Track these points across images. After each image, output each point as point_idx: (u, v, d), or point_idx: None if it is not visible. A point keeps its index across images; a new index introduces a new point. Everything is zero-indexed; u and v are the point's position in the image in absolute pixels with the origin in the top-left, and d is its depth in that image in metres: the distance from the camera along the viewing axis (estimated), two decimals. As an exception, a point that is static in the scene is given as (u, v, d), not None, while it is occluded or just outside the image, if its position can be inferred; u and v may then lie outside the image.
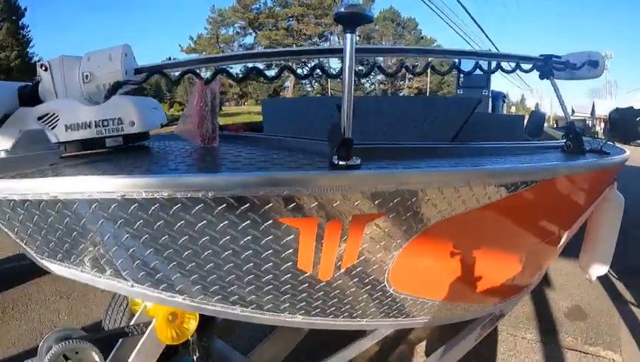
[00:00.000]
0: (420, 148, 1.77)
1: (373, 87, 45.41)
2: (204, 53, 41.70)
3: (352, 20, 1.26)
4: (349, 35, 1.26)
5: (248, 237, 1.28)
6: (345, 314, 1.66)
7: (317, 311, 1.58)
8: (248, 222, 1.25)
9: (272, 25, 45.97)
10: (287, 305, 1.51)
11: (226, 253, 1.30)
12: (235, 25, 46.64)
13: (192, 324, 1.73)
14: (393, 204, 1.38)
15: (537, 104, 31.33)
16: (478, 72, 2.07)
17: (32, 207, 1.21)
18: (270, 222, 1.26)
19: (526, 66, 2.13)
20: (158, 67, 1.62)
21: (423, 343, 3.41)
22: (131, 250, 1.27)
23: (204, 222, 1.22)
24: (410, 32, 48.75)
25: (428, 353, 3.19)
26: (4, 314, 4.13)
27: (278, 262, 1.37)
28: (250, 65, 1.74)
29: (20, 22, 33.67)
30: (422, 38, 48.27)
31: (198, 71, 1.61)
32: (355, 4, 1.26)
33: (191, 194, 1.15)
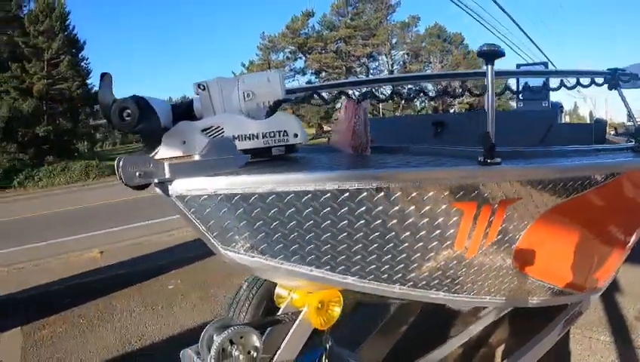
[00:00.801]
0: (527, 151, 2.02)
1: (423, 104, 45.10)
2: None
3: (491, 56, 1.64)
4: (489, 67, 1.65)
5: (425, 220, 1.57)
6: (474, 291, 1.94)
7: (457, 287, 1.85)
8: (429, 207, 1.54)
9: (320, 48, 46.63)
10: (436, 282, 1.77)
11: (405, 235, 1.57)
12: (285, 50, 47.57)
13: (337, 310, 1.93)
14: (526, 190, 1.76)
15: (591, 112, 30.62)
16: (535, 84, 2.38)
17: (242, 200, 1.44)
18: (445, 205, 1.57)
19: (598, 80, 2.41)
20: (312, 88, 1.88)
21: (503, 345, 3.54)
22: (323, 237, 1.51)
23: (397, 207, 1.50)
24: (457, 47, 48.41)
25: (506, 353, 3.33)
26: (89, 324, 4.37)
27: (442, 241, 1.66)
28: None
29: (80, 54, 35.34)
30: (469, 52, 47.71)
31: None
32: (492, 43, 1.67)
33: (399, 184, 1.44)
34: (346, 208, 1.45)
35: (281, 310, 2.02)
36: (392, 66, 47.53)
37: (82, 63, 35.42)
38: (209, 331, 1.82)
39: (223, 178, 1.43)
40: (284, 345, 1.85)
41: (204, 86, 1.87)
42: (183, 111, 1.91)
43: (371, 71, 47.74)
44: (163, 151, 1.79)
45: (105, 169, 28.02)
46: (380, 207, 1.47)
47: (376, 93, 2.02)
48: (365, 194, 1.43)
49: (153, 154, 1.75)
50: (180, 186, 1.44)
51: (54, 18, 32.09)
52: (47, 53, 31.92)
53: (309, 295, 1.89)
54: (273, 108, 1.79)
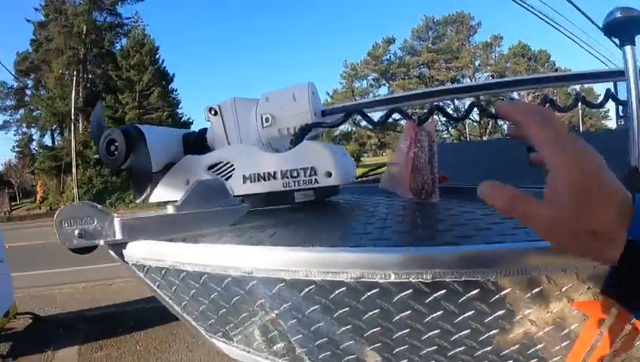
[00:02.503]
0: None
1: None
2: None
3: (631, 28, 0.94)
4: (629, 49, 0.93)
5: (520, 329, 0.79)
6: None
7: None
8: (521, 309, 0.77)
9: (403, 74, 46.33)
10: None
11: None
12: (369, 77, 47.75)
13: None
14: None
15: None
16: None
17: (212, 281, 0.87)
18: (559, 307, 0.79)
19: None
20: (354, 106, 1.31)
21: None
22: (342, 341, 0.82)
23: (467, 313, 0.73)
24: (542, 65, 45.57)
25: None
26: (145, 351, 4.30)
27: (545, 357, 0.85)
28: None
29: (169, 86, 37.48)
30: (556, 69, 44.76)
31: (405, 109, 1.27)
32: (629, 7, 0.94)
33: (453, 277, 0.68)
34: (377, 309, 0.75)
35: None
36: (478, 89, 46.42)
37: (171, 95, 37.60)
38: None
39: (184, 246, 0.90)
40: None
41: (215, 110, 1.42)
42: (196, 140, 1.49)
43: (456, 95, 46.98)
44: (161, 194, 1.40)
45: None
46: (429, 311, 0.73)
47: (448, 110, 1.36)
48: (409, 292, 0.70)
49: (143, 197, 1.35)
50: (136, 252, 0.95)
51: (144, 53, 34.64)
52: (138, 86, 34.45)
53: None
54: (299, 137, 1.27)
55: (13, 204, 33.10)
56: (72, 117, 31.51)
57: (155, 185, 1.41)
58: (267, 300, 0.82)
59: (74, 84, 31.96)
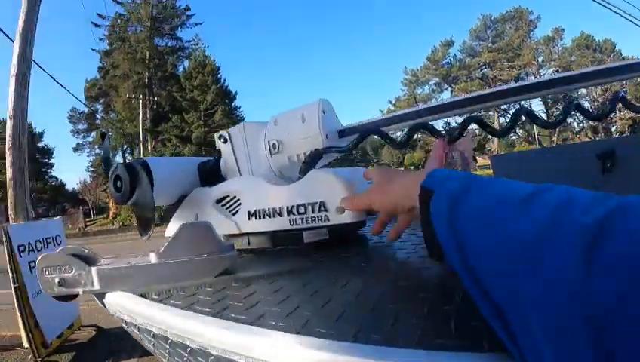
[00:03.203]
0: None
1: (581, 125, 40.10)
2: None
3: None
4: None
5: None
6: None
7: None
8: None
9: (465, 76, 45.15)
10: None
11: None
12: (430, 82, 46.91)
13: None
14: None
15: None
16: None
17: (177, 346, 0.72)
18: None
19: None
20: (370, 125, 1.11)
21: None
22: None
23: None
24: (608, 55, 42.29)
25: None
26: None
27: None
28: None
29: (233, 104, 38.49)
30: (623, 59, 41.45)
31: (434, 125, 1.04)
32: None
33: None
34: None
35: None
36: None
37: (235, 112, 38.66)
38: None
39: (145, 304, 0.78)
40: None
41: (225, 138, 1.29)
42: (211, 170, 1.36)
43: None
44: (173, 229, 1.29)
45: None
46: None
47: (489, 120, 1.10)
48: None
49: (147, 236, 1.25)
50: (112, 304, 0.86)
51: (206, 73, 35.94)
52: (202, 105, 35.56)
53: None
54: (308, 165, 1.09)
55: (87, 220, 35.32)
56: (141, 137, 32.96)
57: (167, 220, 1.30)
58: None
59: (141, 107, 33.72)
